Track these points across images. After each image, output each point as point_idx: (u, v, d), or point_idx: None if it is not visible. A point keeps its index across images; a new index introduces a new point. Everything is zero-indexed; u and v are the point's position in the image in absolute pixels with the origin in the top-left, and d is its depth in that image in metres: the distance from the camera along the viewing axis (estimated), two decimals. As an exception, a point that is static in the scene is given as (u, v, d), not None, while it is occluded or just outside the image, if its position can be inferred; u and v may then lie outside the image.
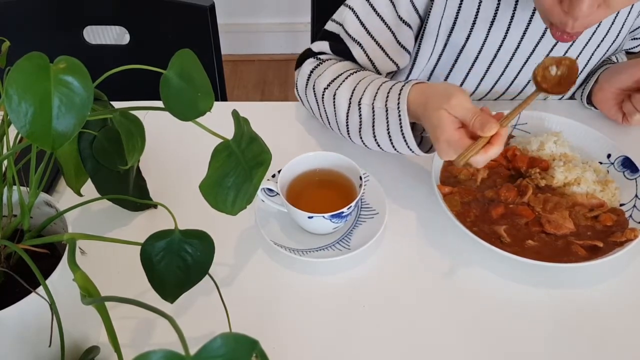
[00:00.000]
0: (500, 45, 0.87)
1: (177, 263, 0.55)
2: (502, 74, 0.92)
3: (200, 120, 0.50)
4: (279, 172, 0.75)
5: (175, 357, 0.33)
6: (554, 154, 0.83)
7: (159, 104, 0.49)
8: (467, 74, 0.92)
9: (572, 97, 1.02)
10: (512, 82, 0.94)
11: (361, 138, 0.82)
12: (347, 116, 0.81)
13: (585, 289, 0.70)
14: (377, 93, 0.78)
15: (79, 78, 0.43)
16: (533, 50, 0.88)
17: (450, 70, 0.92)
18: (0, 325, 0.49)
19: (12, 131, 0.48)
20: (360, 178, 0.73)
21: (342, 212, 0.70)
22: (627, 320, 0.67)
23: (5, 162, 0.52)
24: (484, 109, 0.67)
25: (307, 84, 0.88)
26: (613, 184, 0.80)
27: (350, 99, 0.80)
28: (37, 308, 0.49)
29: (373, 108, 0.78)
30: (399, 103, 0.74)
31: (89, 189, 0.68)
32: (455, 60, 0.90)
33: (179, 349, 0.34)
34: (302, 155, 0.76)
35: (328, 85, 0.84)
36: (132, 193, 0.72)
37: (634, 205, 0.77)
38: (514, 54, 0.88)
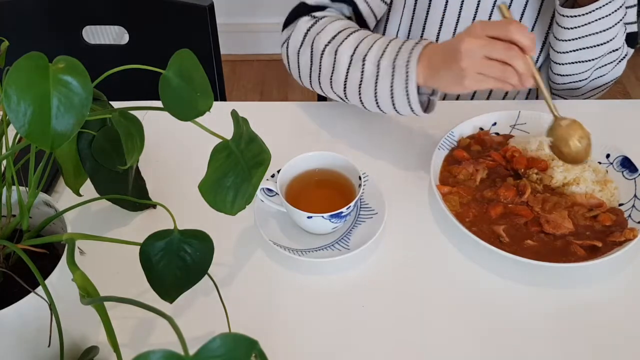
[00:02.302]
0: None
1: (176, 263, 0.55)
2: (475, 16, 0.93)
3: (199, 120, 0.50)
4: (278, 172, 0.75)
5: (174, 357, 0.33)
6: (553, 154, 0.82)
7: (158, 104, 0.49)
8: (443, 16, 0.95)
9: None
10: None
11: (360, 95, 0.82)
12: (347, 72, 0.82)
13: (584, 289, 0.70)
14: (384, 51, 0.79)
15: (78, 78, 0.43)
16: None
17: (427, 15, 0.94)
18: (-1, 325, 0.49)
19: (11, 131, 0.48)
20: (360, 178, 0.73)
21: (342, 212, 0.70)
22: (626, 320, 0.67)
23: (4, 162, 0.52)
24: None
25: (302, 42, 0.88)
26: (612, 184, 0.80)
27: (352, 55, 0.81)
28: (36, 308, 0.49)
29: (378, 65, 0.78)
30: (408, 61, 0.75)
31: (88, 189, 0.67)
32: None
33: (178, 349, 0.34)
34: (301, 155, 0.76)
35: (329, 42, 0.84)
36: (131, 193, 0.72)
37: (633, 205, 0.77)
38: None
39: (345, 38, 0.83)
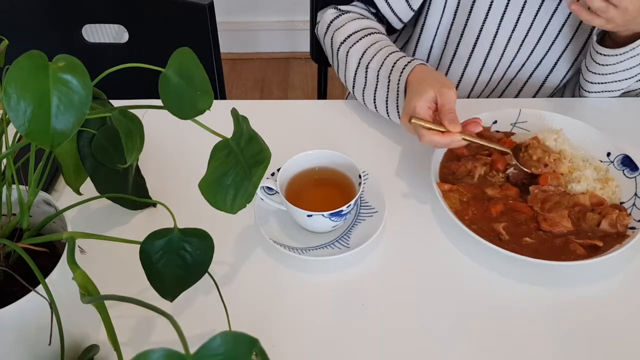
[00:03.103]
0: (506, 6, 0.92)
1: (176, 262, 0.55)
2: (518, 20, 0.94)
3: (199, 119, 0.50)
4: (278, 170, 0.75)
5: (174, 356, 0.33)
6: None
7: (158, 102, 0.49)
8: (475, 42, 0.97)
9: (573, 95, 1.02)
10: (520, 45, 0.96)
11: (363, 97, 0.91)
12: (355, 74, 0.91)
13: (584, 288, 0.70)
14: (383, 62, 0.86)
15: (77, 77, 0.43)
16: (536, 15, 0.92)
17: (461, 36, 0.97)
18: (-1, 324, 0.49)
19: (11, 130, 0.48)
20: (360, 176, 0.73)
21: (342, 211, 0.70)
22: (626, 318, 0.67)
23: (5, 160, 0.52)
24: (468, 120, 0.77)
25: (326, 32, 0.98)
26: (613, 182, 0.79)
27: (360, 59, 0.89)
28: (36, 307, 0.49)
29: (378, 75, 0.87)
30: (399, 78, 0.83)
31: (88, 187, 0.67)
32: (465, 24, 0.95)
33: (178, 348, 0.34)
34: (301, 154, 0.76)
35: (344, 40, 0.92)
36: (131, 192, 0.72)
37: (634, 204, 0.77)
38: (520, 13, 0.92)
39: (358, 40, 0.91)
